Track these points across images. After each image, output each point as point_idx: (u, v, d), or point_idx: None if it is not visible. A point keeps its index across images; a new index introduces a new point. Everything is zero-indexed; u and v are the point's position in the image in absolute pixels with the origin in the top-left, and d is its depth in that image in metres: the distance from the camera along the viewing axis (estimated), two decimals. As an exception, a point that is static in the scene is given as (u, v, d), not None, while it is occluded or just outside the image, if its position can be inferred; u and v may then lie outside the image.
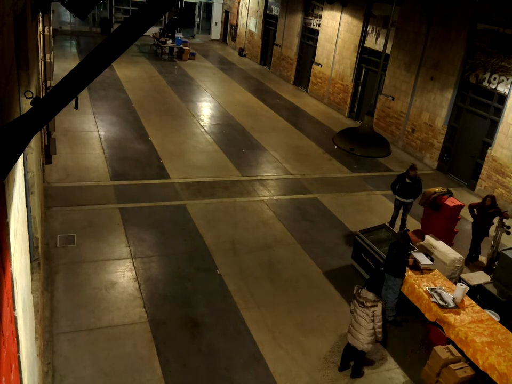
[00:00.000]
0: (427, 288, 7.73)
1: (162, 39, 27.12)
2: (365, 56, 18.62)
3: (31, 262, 5.93)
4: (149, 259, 8.75)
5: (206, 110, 18.37)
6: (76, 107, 3.31)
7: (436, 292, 7.63)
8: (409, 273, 8.04)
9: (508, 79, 12.54)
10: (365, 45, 18.50)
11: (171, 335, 7.08)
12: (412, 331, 7.84)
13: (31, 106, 2.87)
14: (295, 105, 20.45)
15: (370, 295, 6.32)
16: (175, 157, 13.36)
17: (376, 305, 6.30)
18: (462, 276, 8.55)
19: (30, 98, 3.04)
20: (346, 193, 12.44)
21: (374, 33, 17.99)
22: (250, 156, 14.19)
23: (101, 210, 10.15)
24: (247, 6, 29.67)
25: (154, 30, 28.57)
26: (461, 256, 8.81)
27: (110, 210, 10.20)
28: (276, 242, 9.85)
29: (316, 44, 21.74)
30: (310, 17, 22.36)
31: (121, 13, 32.15)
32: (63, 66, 20.04)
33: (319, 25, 21.49)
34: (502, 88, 12.73)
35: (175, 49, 27.30)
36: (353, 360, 6.79)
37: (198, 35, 35.13)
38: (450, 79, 14.31)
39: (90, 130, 14.52)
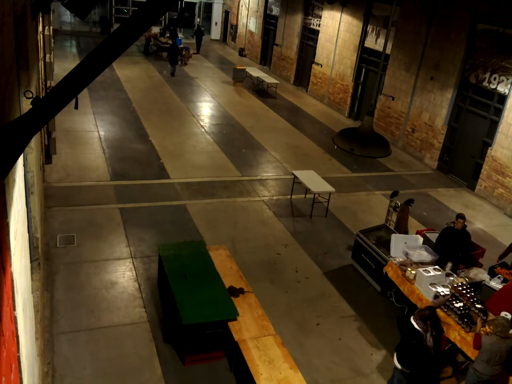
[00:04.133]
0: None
1: (162, 38, 27.10)
2: (365, 56, 18.61)
3: (31, 262, 5.93)
4: (148, 259, 8.75)
5: (206, 110, 18.36)
6: (76, 107, 3.31)
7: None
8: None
9: (508, 79, 12.53)
10: (365, 45, 18.50)
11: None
12: None
13: (31, 106, 2.87)
14: (295, 105, 20.44)
15: None
16: (175, 157, 13.36)
17: None
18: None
19: (30, 98, 3.04)
20: (346, 193, 12.44)
21: (374, 33, 17.99)
22: (250, 156, 14.19)
23: (101, 210, 10.15)
24: (247, 6, 29.66)
25: (154, 30, 28.55)
26: None
27: (110, 210, 10.21)
28: (275, 242, 9.86)
29: (316, 44, 21.74)
30: (310, 17, 22.36)
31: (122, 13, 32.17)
32: (63, 66, 20.03)
33: (319, 25, 21.49)
34: (502, 88, 12.73)
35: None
36: None
37: (198, 35, 35.06)
38: (450, 79, 14.32)
39: (90, 130, 14.52)
